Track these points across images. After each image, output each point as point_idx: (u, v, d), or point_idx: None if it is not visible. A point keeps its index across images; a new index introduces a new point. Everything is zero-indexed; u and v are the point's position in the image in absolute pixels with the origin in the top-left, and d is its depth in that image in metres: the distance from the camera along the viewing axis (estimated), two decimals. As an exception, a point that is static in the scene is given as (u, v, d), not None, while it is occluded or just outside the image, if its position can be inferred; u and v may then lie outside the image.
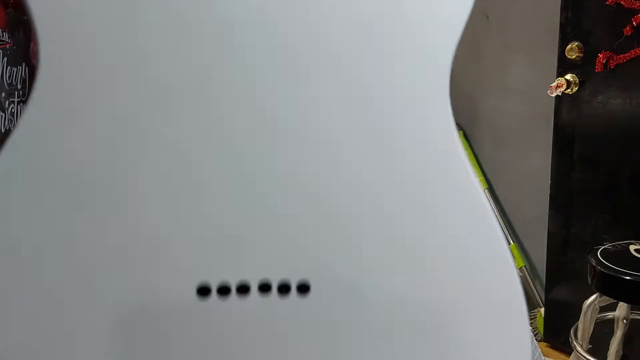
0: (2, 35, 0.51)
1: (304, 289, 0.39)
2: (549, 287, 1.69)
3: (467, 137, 2.38)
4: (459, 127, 2.43)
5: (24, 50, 0.55)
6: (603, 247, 1.21)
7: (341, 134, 0.38)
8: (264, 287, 0.38)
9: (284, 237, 0.38)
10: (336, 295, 0.39)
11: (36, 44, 0.35)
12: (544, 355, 1.13)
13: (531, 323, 1.83)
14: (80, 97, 0.36)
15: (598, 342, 1.25)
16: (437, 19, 0.41)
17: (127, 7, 0.36)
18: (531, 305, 1.88)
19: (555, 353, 1.66)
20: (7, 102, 0.51)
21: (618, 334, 1.21)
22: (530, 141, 2.07)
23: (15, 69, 0.53)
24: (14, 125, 0.53)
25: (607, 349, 1.23)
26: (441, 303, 0.40)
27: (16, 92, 0.53)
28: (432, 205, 0.39)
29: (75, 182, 0.36)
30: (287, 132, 0.38)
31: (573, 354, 1.24)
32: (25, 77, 0.54)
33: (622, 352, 1.23)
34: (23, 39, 0.54)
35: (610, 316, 1.23)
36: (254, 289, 0.38)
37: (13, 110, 0.53)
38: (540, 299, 1.84)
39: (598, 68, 1.57)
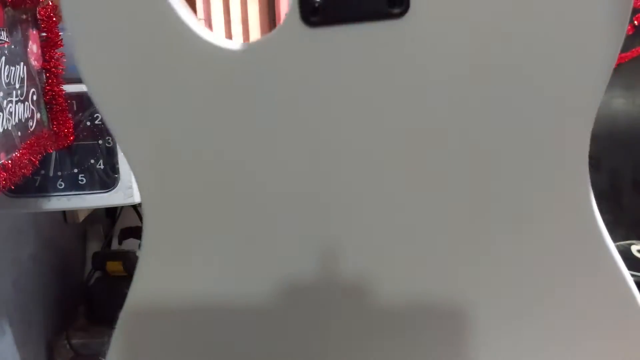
0: (0, 35, 0.51)
1: None
2: (550, 287, 1.68)
3: (468, 137, 2.37)
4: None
5: (22, 49, 0.54)
6: (605, 248, 1.20)
7: None
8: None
9: None
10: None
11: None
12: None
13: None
14: None
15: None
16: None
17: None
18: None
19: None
20: (5, 101, 0.50)
21: (620, 335, 1.21)
22: (532, 141, 2.06)
23: (13, 69, 0.53)
24: (12, 125, 0.52)
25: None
26: None
27: (14, 92, 0.52)
28: None
29: None
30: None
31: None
32: (24, 77, 0.54)
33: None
34: (21, 38, 0.54)
35: (612, 317, 1.22)
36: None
37: (11, 110, 0.52)
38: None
39: (600, 67, 1.56)
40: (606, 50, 0.40)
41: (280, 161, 0.40)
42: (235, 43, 0.39)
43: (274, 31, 0.39)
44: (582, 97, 0.39)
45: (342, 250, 0.41)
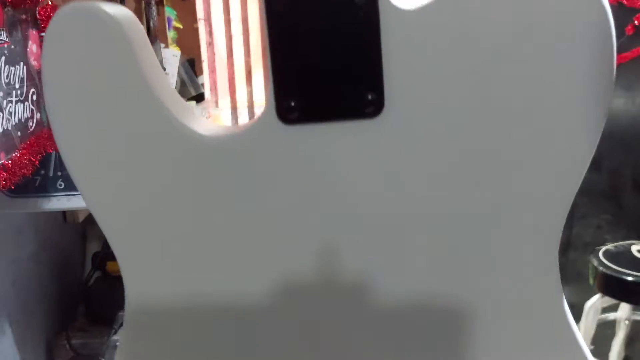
0: (0, 35, 0.50)
1: None
2: (550, 287, 1.68)
3: (468, 137, 2.37)
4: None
5: (22, 49, 0.54)
6: (605, 248, 1.21)
7: None
8: None
9: None
10: None
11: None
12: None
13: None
14: None
15: (600, 344, 1.24)
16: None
17: None
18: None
19: (557, 353, 1.65)
20: (5, 101, 0.50)
21: (620, 336, 1.21)
22: (532, 141, 2.06)
23: (13, 69, 0.53)
24: (12, 125, 0.52)
25: (609, 351, 1.23)
26: None
27: (14, 92, 0.52)
28: None
29: None
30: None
31: (574, 354, 1.23)
32: (23, 77, 0.54)
33: (624, 354, 1.22)
34: (21, 38, 0.54)
35: (612, 317, 1.22)
36: None
37: (11, 110, 0.52)
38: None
39: (600, 67, 1.56)
40: (579, 150, 0.39)
41: (255, 249, 0.41)
42: (213, 129, 0.40)
43: (251, 123, 0.40)
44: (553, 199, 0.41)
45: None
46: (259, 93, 2.61)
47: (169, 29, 1.34)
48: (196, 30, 1.63)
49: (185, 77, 1.44)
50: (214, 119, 1.73)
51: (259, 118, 0.39)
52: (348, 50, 0.37)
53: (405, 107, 0.38)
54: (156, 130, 0.39)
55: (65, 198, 0.65)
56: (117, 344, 0.88)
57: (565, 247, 1.61)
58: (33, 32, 0.57)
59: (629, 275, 1.09)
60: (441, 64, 0.38)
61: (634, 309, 1.21)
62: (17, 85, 0.53)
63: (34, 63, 0.57)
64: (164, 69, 1.16)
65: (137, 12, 1.07)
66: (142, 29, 0.41)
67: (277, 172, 0.40)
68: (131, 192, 0.40)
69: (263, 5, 0.37)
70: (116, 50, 0.38)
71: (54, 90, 0.39)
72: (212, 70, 2.35)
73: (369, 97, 0.38)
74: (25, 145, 0.53)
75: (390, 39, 0.37)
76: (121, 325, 0.90)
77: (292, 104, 0.38)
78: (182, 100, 0.42)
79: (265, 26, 0.37)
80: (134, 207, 0.40)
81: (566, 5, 0.37)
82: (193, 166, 0.40)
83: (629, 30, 1.47)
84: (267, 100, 0.39)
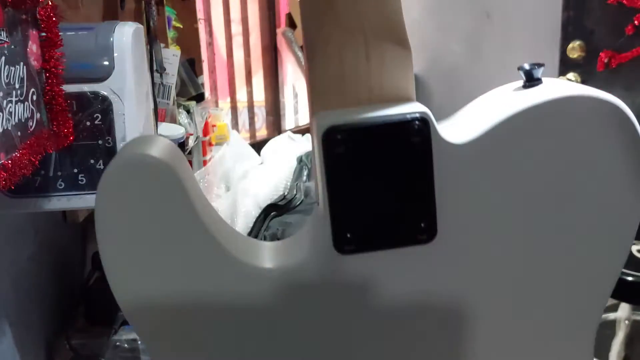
0: (0, 35, 0.50)
1: None
2: (550, 287, 1.68)
3: (468, 137, 2.37)
4: (460, 126, 2.42)
5: (22, 49, 0.54)
6: (605, 248, 1.20)
7: None
8: None
9: None
10: None
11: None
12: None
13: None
14: None
15: (600, 344, 1.24)
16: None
17: None
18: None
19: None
20: (5, 101, 0.50)
21: (620, 335, 1.21)
22: (532, 141, 2.06)
23: (13, 69, 0.53)
24: (12, 125, 0.52)
25: (609, 351, 1.23)
26: None
27: (14, 92, 0.52)
28: None
29: None
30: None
31: (575, 354, 1.23)
32: (23, 77, 0.54)
33: (624, 354, 1.22)
34: (21, 38, 0.54)
35: (612, 317, 1.22)
36: None
37: (11, 110, 0.52)
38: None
39: (600, 67, 1.56)
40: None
41: None
42: (269, 261, 0.40)
43: (305, 253, 0.40)
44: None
45: None
46: (258, 93, 2.61)
47: (169, 28, 1.34)
48: (196, 30, 1.62)
49: (185, 77, 1.44)
50: (214, 119, 1.73)
51: (313, 248, 0.40)
52: (402, 184, 0.39)
53: (457, 232, 0.40)
54: (211, 268, 0.39)
55: (65, 198, 0.65)
56: (117, 344, 0.88)
57: (565, 247, 1.61)
58: (33, 32, 0.57)
59: (629, 275, 1.09)
60: (489, 191, 0.40)
61: (633, 309, 1.21)
62: (17, 85, 0.53)
63: (34, 63, 0.57)
64: (164, 69, 1.16)
65: (137, 11, 1.07)
66: (182, 155, 0.40)
67: (333, 298, 0.41)
68: (186, 331, 0.40)
69: (320, 148, 0.38)
70: (168, 195, 0.38)
71: (108, 239, 0.39)
72: (212, 70, 2.35)
73: (422, 225, 0.39)
74: (25, 146, 0.53)
75: (442, 170, 0.39)
76: (121, 325, 0.90)
77: (349, 235, 0.39)
78: (228, 227, 0.42)
79: (322, 165, 0.38)
80: (188, 345, 0.41)
81: (600, 129, 0.39)
82: (256, 300, 0.40)
83: (629, 30, 1.47)
84: (321, 232, 0.39)
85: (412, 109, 0.39)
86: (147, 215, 0.38)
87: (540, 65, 0.42)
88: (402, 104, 0.39)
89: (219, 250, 0.39)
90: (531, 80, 0.42)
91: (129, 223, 0.38)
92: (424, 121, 0.38)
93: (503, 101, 0.42)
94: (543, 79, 0.42)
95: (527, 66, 0.42)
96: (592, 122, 0.40)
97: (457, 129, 0.41)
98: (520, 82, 0.43)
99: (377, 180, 0.38)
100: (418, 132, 0.38)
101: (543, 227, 0.41)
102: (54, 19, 0.59)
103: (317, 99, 0.40)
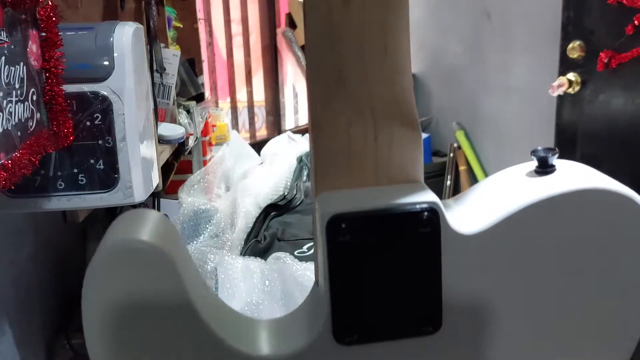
0: (0, 35, 0.51)
1: None
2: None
3: (468, 137, 2.38)
4: (460, 126, 2.42)
5: (22, 49, 0.54)
6: (605, 248, 1.20)
7: None
8: None
9: None
10: None
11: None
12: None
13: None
14: None
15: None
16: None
17: None
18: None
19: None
20: (5, 101, 0.50)
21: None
22: (532, 140, 2.06)
23: (13, 69, 0.53)
24: (12, 125, 0.52)
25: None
26: None
27: (14, 92, 0.52)
28: None
29: None
30: None
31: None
32: (23, 77, 0.54)
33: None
34: (21, 38, 0.54)
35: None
36: None
37: (11, 110, 0.52)
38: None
39: (600, 67, 1.56)
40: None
41: None
42: (265, 347, 0.38)
43: (303, 341, 0.38)
44: None
45: None
46: (258, 93, 2.61)
47: (169, 28, 1.34)
48: (196, 30, 1.62)
49: (185, 77, 1.44)
50: (214, 119, 1.73)
51: (312, 335, 0.38)
52: (409, 275, 0.37)
53: (462, 323, 0.39)
54: (204, 354, 0.37)
55: (65, 198, 0.65)
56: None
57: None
58: (33, 32, 0.57)
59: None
60: (497, 282, 0.39)
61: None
62: (17, 85, 0.53)
63: (34, 63, 0.57)
64: (164, 69, 1.16)
65: (137, 11, 1.07)
66: (173, 229, 0.38)
67: None
68: None
69: (324, 235, 0.36)
70: (160, 283, 0.36)
71: (94, 333, 0.37)
72: (212, 70, 2.35)
73: (427, 316, 0.38)
74: (25, 145, 0.53)
75: (450, 261, 0.38)
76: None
77: (350, 326, 0.38)
78: (223, 307, 0.40)
79: (325, 252, 0.37)
80: None
81: (613, 220, 0.39)
82: None
83: (629, 30, 1.47)
84: (322, 321, 0.38)
85: (421, 197, 0.37)
86: (138, 306, 0.36)
87: (555, 152, 0.41)
88: (409, 189, 0.38)
89: (212, 340, 0.37)
90: (545, 167, 0.41)
91: (117, 314, 0.36)
92: (433, 212, 0.36)
93: (515, 188, 0.40)
94: (556, 162, 0.41)
95: (541, 152, 0.41)
96: (606, 213, 0.39)
97: (466, 215, 0.40)
98: (533, 165, 0.42)
99: (382, 269, 0.37)
100: (427, 222, 0.37)
101: (552, 316, 0.40)
102: (53, 18, 0.59)
103: (321, 177, 0.38)
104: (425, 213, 0.37)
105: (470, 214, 0.40)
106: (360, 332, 0.38)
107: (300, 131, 2.15)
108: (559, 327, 0.41)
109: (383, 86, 0.38)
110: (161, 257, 0.35)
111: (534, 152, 0.42)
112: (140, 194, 0.67)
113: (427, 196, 0.38)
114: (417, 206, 0.37)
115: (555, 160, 0.41)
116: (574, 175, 0.41)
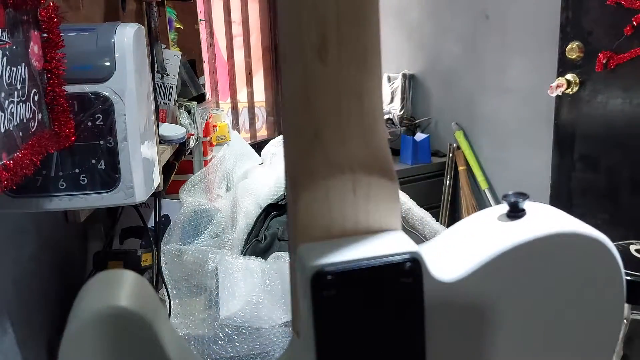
0: (2, 35, 0.51)
1: None
2: (549, 287, 1.69)
3: (467, 137, 2.38)
4: (459, 126, 2.43)
5: (24, 50, 0.55)
6: (603, 247, 1.21)
7: None
8: None
9: None
10: None
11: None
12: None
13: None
14: None
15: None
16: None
17: None
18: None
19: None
20: (6, 102, 0.51)
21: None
22: (531, 141, 2.07)
23: (14, 69, 0.53)
24: (13, 126, 0.53)
25: (608, 349, 1.23)
26: None
27: (16, 92, 0.53)
28: None
29: None
30: None
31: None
32: (25, 77, 0.54)
33: (622, 353, 1.23)
34: (22, 39, 0.54)
35: (611, 316, 1.23)
36: None
37: (13, 111, 0.53)
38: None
39: (598, 68, 1.56)
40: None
41: None
42: None
43: None
44: None
45: None
46: (259, 93, 2.61)
47: (170, 29, 1.35)
48: (197, 31, 1.63)
49: (186, 77, 1.44)
50: (214, 119, 1.74)
51: None
52: (392, 325, 0.38)
53: None
54: None
55: (66, 198, 0.66)
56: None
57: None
58: (35, 33, 0.57)
59: (627, 275, 1.09)
60: (478, 324, 0.40)
61: (632, 309, 1.21)
62: (18, 86, 0.53)
63: (35, 64, 0.57)
64: (165, 70, 1.16)
65: (138, 12, 1.08)
66: (150, 290, 0.38)
67: None
68: None
69: (308, 290, 0.36)
70: (139, 349, 0.35)
71: None
72: (213, 71, 2.36)
73: None
74: (26, 146, 0.54)
75: (433, 308, 0.39)
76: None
77: None
78: None
79: (310, 307, 0.37)
80: None
81: (584, 261, 0.41)
82: None
83: (627, 31, 1.47)
84: None
85: (402, 247, 0.38)
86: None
87: (525, 196, 0.43)
88: (390, 238, 0.39)
89: None
90: (516, 212, 0.43)
91: None
92: (415, 261, 0.37)
93: (490, 234, 0.42)
94: (527, 205, 0.43)
95: (512, 198, 0.43)
96: (576, 255, 0.41)
97: (445, 262, 0.41)
98: (503, 209, 0.44)
99: (367, 321, 0.37)
100: (409, 272, 0.37)
101: (534, 354, 0.42)
102: (55, 20, 0.59)
103: (301, 232, 0.38)
104: (407, 263, 0.37)
105: (448, 260, 0.41)
106: None
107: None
108: None
109: (360, 140, 0.38)
110: (141, 322, 0.35)
111: (505, 197, 0.43)
112: (141, 194, 0.68)
113: (407, 246, 0.38)
114: (399, 257, 0.37)
115: (526, 204, 0.43)
116: (544, 219, 0.42)
